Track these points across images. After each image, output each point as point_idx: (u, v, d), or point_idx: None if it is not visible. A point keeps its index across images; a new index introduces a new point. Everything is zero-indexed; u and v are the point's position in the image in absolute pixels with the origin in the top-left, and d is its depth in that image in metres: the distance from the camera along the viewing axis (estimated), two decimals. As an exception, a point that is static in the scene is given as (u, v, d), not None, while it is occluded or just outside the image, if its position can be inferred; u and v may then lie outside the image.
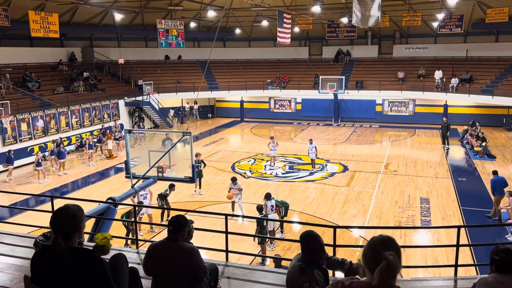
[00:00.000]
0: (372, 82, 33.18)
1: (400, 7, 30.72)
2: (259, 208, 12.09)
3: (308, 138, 23.95)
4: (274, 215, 12.54)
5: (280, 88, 35.02)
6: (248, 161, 22.24)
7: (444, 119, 25.34)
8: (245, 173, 20.11)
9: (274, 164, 21.36)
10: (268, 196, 12.64)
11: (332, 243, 5.75)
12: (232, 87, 34.46)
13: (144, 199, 13.40)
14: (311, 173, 20.03)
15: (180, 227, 4.22)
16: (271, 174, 20.05)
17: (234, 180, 14.79)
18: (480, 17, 29.69)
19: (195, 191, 17.11)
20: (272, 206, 12.52)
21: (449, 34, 31.39)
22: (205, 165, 17.83)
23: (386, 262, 2.27)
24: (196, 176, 12.11)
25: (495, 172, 15.18)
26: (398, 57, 35.30)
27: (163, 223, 13.30)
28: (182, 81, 33.94)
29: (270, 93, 35.32)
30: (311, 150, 20.60)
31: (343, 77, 32.82)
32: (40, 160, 19.74)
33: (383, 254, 2.31)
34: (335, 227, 6.05)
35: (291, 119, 35.12)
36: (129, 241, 11.61)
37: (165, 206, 13.91)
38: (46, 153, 22.30)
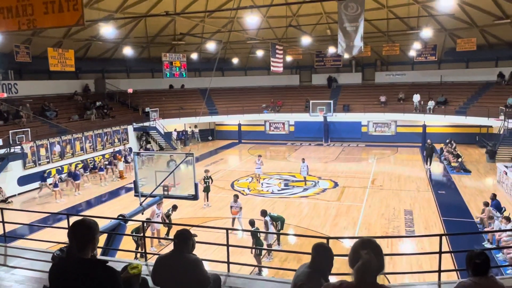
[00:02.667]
0: (358, 106, 33.40)
1: (380, 38, 31.19)
2: (251, 223, 11.98)
3: (301, 157, 23.92)
4: (272, 229, 12.44)
5: (275, 112, 35.17)
6: (246, 180, 22.15)
7: (429, 141, 24.59)
8: (243, 190, 20.01)
9: (255, 181, 21.21)
10: (264, 213, 12.53)
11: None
12: (230, 112, 34.61)
13: (157, 217, 13.31)
14: (305, 189, 19.96)
15: (185, 240, 4.20)
16: (267, 191, 19.97)
17: (236, 197, 14.75)
18: (451, 46, 30.14)
19: (205, 204, 17.26)
20: (270, 221, 12.44)
21: (424, 62, 31.77)
22: (212, 180, 17.97)
23: (362, 260, 2.26)
24: (198, 194, 11.94)
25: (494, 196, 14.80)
26: (379, 82, 35.61)
27: (169, 237, 13.18)
28: (185, 108, 34.04)
29: (265, 117, 35.47)
30: (303, 168, 20.57)
31: (331, 101, 33.04)
32: (57, 182, 19.64)
33: (359, 253, 2.31)
34: (327, 238, 6.02)
35: (285, 140, 35.15)
36: (138, 255, 11.48)
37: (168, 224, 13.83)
38: (63, 176, 22.24)
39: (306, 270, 3.66)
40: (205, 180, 17.30)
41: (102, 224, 9.00)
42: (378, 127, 33.62)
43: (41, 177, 20.54)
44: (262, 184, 20.94)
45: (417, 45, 29.15)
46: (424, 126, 31.62)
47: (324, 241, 5.66)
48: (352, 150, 30.79)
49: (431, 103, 30.53)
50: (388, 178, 21.78)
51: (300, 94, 36.04)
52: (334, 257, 3.72)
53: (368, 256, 2.25)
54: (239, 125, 36.12)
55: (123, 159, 24.35)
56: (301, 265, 3.86)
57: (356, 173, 23.22)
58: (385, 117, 32.50)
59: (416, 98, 31.37)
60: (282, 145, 33.61)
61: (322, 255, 3.76)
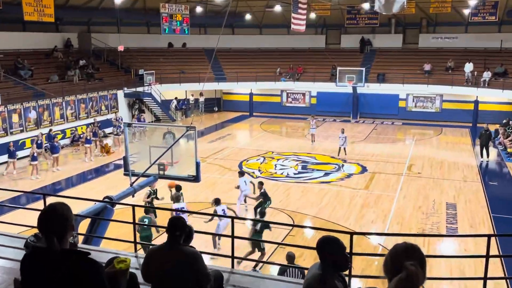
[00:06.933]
0: (395, 75, 32.99)
1: (427, -8, 30.55)
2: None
3: (323, 135, 23.98)
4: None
5: (294, 80, 34.97)
6: (257, 160, 22.24)
7: (485, 125, 23.24)
8: (253, 172, 20.10)
9: (314, 140, 25.53)
10: (217, 201, 12.44)
11: (348, 250, 5.74)
12: (241, 78, 34.48)
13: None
14: (326, 174, 20.00)
15: (180, 229, 4.20)
16: (282, 174, 20.04)
17: (241, 174, 15.26)
18: (516, 4, 29.42)
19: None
20: (223, 210, 12.21)
21: (481, 23, 31.13)
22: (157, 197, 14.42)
23: (406, 272, 2.26)
24: (200, 175, 11.72)
25: None
26: (424, 47, 35.06)
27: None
28: (187, 71, 34.00)
29: (282, 86, 35.31)
30: (342, 139, 22.42)
31: (363, 69, 32.67)
32: (35, 154, 19.76)
33: (403, 263, 2.30)
34: (352, 233, 6.05)
35: (304, 114, 34.89)
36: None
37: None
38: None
39: (317, 273, 3.66)
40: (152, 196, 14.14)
41: (85, 207, 9.15)
42: (419, 101, 33.28)
43: (8, 150, 20.14)
44: (275, 166, 21.01)
45: (473, 2, 28.47)
46: (476, 102, 31.16)
47: (341, 235, 5.69)
48: (386, 129, 30.62)
49: (486, 74, 30.04)
50: (428, 164, 21.69)
51: (326, 59, 35.67)
52: (359, 256, 3.74)
53: (415, 268, 2.27)
54: (251, 94, 36.03)
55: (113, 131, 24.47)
56: (312, 265, 3.86)
57: (389, 156, 23.15)
58: (429, 90, 32.10)
59: (469, 67, 30.87)
60: (301, 120, 33.44)
61: (328, 249, 3.72)
